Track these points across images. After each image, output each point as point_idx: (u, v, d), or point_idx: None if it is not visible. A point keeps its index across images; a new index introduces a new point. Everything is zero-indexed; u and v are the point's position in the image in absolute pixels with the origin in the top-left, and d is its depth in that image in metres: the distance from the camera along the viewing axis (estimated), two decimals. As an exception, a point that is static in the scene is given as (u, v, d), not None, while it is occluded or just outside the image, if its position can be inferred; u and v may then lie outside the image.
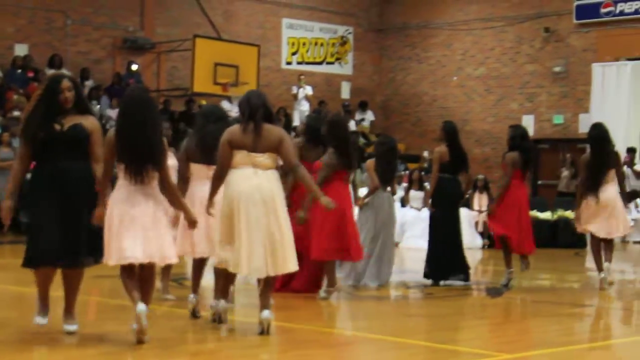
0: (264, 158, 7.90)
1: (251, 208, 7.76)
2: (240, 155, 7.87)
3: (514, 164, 12.32)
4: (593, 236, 12.27)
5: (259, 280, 8.13)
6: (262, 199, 7.80)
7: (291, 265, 8.03)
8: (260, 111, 7.94)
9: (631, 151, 25.01)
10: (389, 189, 12.19)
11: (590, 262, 16.03)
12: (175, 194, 7.56)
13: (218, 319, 8.25)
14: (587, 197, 12.09)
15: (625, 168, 24.03)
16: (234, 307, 9.06)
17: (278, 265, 7.90)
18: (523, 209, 12.44)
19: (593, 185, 12.04)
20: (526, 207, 12.56)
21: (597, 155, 12.12)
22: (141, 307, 7.07)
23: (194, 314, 8.61)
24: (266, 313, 7.89)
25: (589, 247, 17.21)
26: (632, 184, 24.02)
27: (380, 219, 11.97)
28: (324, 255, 10.58)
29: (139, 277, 7.36)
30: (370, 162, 12.17)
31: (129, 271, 7.29)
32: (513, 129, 12.87)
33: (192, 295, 8.73)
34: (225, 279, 8.26)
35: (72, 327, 7.60)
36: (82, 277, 7.65)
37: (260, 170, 7.87)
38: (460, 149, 12.51)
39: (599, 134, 12.26)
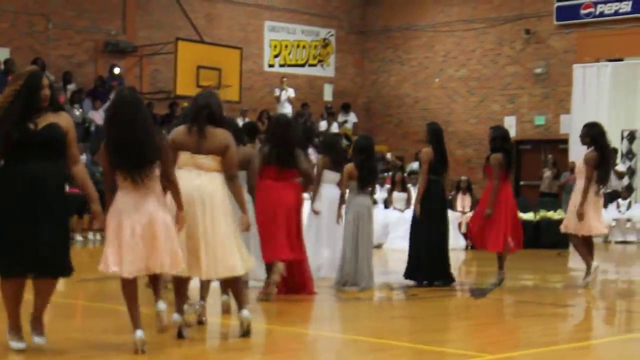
0: (207, 160, 7.75)
1: (189, 209, 7.48)
2: (183, 157, 7.70)
3: (500, 164, 12.36)
4: (583, 236, 12.37)
5: (220, 282, 8.06)
6: (201, 200, 7.61)
7: (233, 269, 7.79)
8: (203, 113, 7.77)
9: (613, 152, 25.05)
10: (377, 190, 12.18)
11: (573, 262, 16.10)
12: (176, 189, 7.24)
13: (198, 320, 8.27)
14: (593, 196, 12.20)
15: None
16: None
17: (218, 269, 7.69)
18: (509, 207, 12.47)
19: (603, 182, 12.21)
20: (513, 206, 12.58)
21: (606, 151, 12.25)
22: (139, 333, 6.92)
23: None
24: (245, 312, 7.81)
25: (571, 248, 17.28)
26: (613, 184, 24.19)
27: (360, 222, 11.87)
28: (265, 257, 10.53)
29: (152, 287, 7.13)
30: (348, 167, 12.02)
31: (131, 284, 7.04)
32: (494, 130, 12.90)
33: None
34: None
35: (40, 340, 7.15)
36: (54, 287, 7.22)
37: (204, 172, 7.72)
38: (444, 150, 12.52)
39: (602, 130, 12.39)
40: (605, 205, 13.24)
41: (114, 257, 6.91)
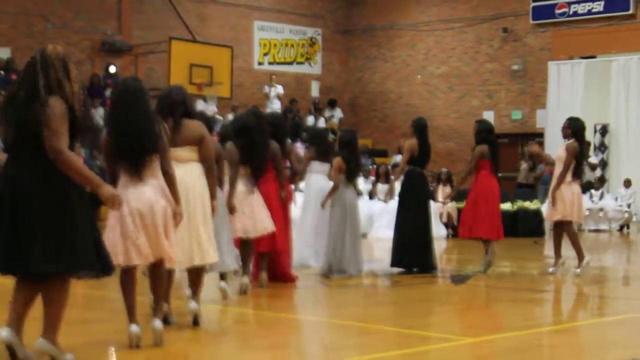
0: (183, 152, 7.60)
1: None
2: None
3: (483, 155, 12.40)
4: (571, 223, 12.43)
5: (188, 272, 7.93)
6: (181, 192, 7.26)
7: (208, 257, 7.74)
8: (180, 108, 7.61)
9: (586, 144, 25.16)
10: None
11: (548, 249, 16.12)
12: (173, 182, 6.83)
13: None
14: (574, 185, 12.25)
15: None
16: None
17: (196, 257, 7.61)
18: (495, 198, 12.52)
19: (578, 174, 12.27)
20: (497, 196, 12.62)
21: (584, 144, 12.33)
22: (134, 328, 6.64)
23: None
24: (193, 304, 7.66)
25: (547, 236, 17.31)
26: (587, 175, 24.29)
27: (348, 214, 11.86)
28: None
29: (150, 276, 6.88)
30: (338, 161, 11.96)
31: (128, 274, 6.77)
32: (479, 124, 12.94)
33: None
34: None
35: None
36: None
37: (181, 163, 7.51)
38: (428, 144, 12.54)
39: (584, 126, 12.48)
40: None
41: (111, 249, 6.54)
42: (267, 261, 10.59)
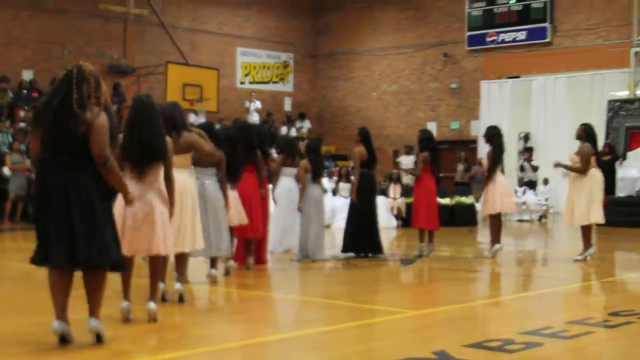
0: (177, 159, 7.38)
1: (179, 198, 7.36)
2: None
3: (425, 160, 12.33)
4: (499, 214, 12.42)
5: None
6: (182, 191, 7.48)
7: (194, 245, 7.70)
8: (169, 123, 7.39)
9: (528, 150, 25.66)
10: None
11: (481, 237, 16.12)
12: (172, 188, 6.69)
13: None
14: (502, 180, 12.25)
15: (524, 163, 25.21)
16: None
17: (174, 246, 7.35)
18: (432, 196, 12.49)
19: (502, 169, 12.24)
20: (434, 195, 12.61)
21: (499, 147, 12.23)
22: (125, 304, 6.54)
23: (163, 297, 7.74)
24: (177, 285, 7.49)
25: (480, 225, 17.28)
26: (529, 174, 24.86)
27: (314, 206, 11.76)
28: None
29: (149, 264, 6.73)
30: (304, 163, 11.88)
31: (127, 262, 6.56)
32: (421, 133, 12.83)
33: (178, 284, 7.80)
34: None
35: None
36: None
37: (176, 167, 7.13)
38: (372, 149, 12.40)
39: (498, 131, 12.36)
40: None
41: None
42: (253, 247, 10.50)
